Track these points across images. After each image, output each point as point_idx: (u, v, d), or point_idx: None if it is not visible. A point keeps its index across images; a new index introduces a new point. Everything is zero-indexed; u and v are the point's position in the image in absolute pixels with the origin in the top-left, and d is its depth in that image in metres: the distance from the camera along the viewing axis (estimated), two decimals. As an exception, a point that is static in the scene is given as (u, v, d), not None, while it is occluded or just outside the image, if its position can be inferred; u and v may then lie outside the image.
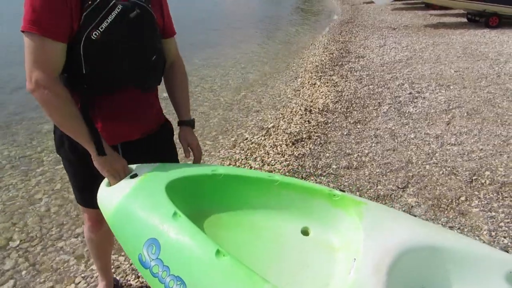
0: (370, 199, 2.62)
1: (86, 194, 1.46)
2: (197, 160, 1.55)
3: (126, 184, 1.20)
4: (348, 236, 1.15)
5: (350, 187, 2.81)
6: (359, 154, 3.31)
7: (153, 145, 1.47)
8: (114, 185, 1.23)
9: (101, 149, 1.24)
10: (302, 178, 2.98)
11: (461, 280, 1.11)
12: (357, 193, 2.73)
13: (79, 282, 2.14)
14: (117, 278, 2.11)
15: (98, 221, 1.58)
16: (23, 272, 2.24)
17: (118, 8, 1.19)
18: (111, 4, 1.18)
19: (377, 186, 2.80)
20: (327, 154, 3.35)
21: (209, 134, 4.13)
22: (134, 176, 1.24)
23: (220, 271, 0.94)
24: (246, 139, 3.95)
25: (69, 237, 2.53)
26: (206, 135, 4.11)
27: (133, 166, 1.31)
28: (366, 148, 3.41)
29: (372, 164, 3.12)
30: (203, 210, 1.23)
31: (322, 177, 2.97)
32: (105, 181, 1.28)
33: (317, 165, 3.17)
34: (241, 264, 0.95)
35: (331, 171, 3.06)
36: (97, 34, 1.17)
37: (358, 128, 3.86)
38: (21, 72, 1.29)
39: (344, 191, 1.33)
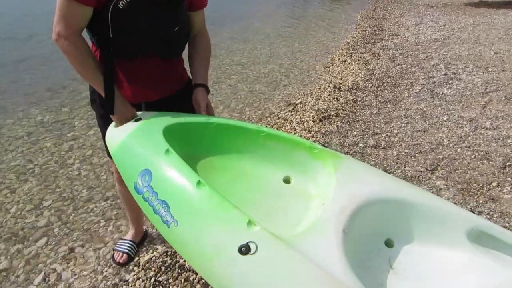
0: (397, 180, 2.58)
1: None
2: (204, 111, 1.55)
3: (129, 126, 1.35)
4: (323, 185, 1.25)
5: (377, 167, 2.76)
6: (388, 134, 3.24)
7: (175, 103, 1.57)
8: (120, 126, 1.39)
9: (110, 103, 1.36)
10: (328, 155, 2.96)
11: (425, 234, 1.20)
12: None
13: (108, 242, 2.23)
14: (147, 228, 2.27)
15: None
16: (56, 230, 2.35)
17: None
18: None
19: (404, 167, 2.74)
20: (355, 133, 3.29)
21: (236, 107, 4.13)
22: (138, 120, 1.38)
23: (199, 197, 1.09)
24: (273, 113, 3.93)
25: (99, 200, 2.62)
26: (233, 107, 4.11)
27: (139, 112, 1.44)
28: (395, 128, 3.33)
29: (401, 145, 3.05)
30: (196, 153, 1.36)
31: (349, 155, 2.93)
32: (113, 123, 1.43)
33: (344, 143, 3.13)
34: (217, 193, 1.08)
35: (358, 149, 3.02)
36: (124, 3, 1.26)
37: (388, 108, 3.76)
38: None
39: (326, 146, 1.36)
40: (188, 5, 1.45)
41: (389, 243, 1.22)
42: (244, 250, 0.98)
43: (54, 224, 2.41)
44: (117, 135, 1.34)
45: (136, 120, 1.37)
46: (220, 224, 1.05)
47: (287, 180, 1.35)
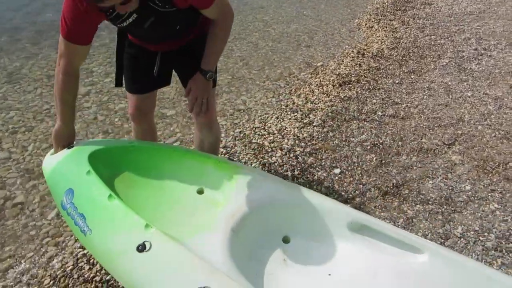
0: (412, 151, 2.55)
1: (130, 79, 1.81)
2: (190, 107, 1.56)
3: (62, 153, 1.55)
4: (226, 193, 1.47)
5: (393, 136, 2.72)
6: (408, 104, 3.16)
7: (188, 51, 1.70)
8: (55, 154, 1.59)
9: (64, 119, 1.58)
10: (344, 120, 2.92)
11: (315, 229, 1.43)
12: (400, 143, 2.65)
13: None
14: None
15: (136, 106, 1.86)
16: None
17: (134, 16, 1.38)
18: (126, 14, 1.36)
19: (421, 139, 2.69)
20: (374, 100, 3.22)
21: (255, 64, 4.06)
22: (71, 147, 1.57)
23: (108, 209, 1.31)
24: (292, 74, 3.86)
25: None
26: (252, 64, 4.04)
27: (76, 142, 1.64)
28: (416, 100, 3.24)
29: (420, 117, 2.98)
30: (119, 173, 1.56)
31: (366, 122, 2.89)
32: (51, 151, 1.64)
33: (362, 109, 3.07)
34: (124, 204, 1.30)
35: (376, 117, 2.96)
36: (123, 25, 1.43)
37: (412, 79, 3.65)
38: None
39: (232, 159, 1.69)
40: (191, 7, 1.45)
41: (286, 240, 1.44)
42: (141, 248, 1.19)
43: (69, 163, 2.46)
44: (50, 162, 1.56)
45: (69, 148, 1.56)
46: (123, 228, 1.27)
47: (200, 191, 1.53)
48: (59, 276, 1.72)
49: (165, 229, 1.26)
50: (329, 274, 1.33)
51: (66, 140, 1.60)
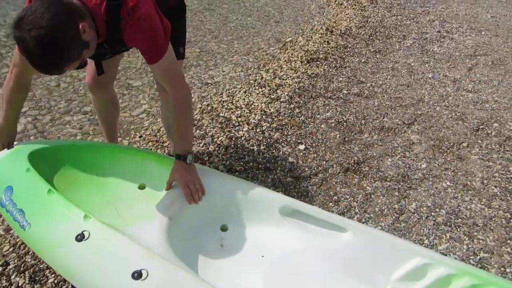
0: (374, 130, 2.65)
1: None
2: (188, 198, 1.52)
3: (1, 153, 1.57)
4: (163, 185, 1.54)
5: (357, 114, 2.81)
6: (372, 84, 3.26)
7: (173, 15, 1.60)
8: None
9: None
10: (311, 97, 2.97)
11: (250, 216, 1.54)
12: (363, 121, 2.74)
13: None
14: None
15: (93, 79, 1.79)
16: (31, 138, 2.33)
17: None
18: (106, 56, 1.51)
19: (383, 118, 2.80)
20: (340, 79, 3.29)
21: (224, 38, 4.00)
22: (12, 147, 1.59)
23: (47, 202, 1.34)
24: (261, 49, 3.84)
25: (76, 113, 2.59)
26: (221, 37, 3.99)
27: (16, 143, 1.65)
28: (380, 79, 3.34)
29: (383, 96, 3.08)
30: (62, 171, 1.57)
31: (331, 100, 2.96)
32: None
33: (328, 87, 3.13)
34: (63, 197, 1.34)
35: (341, 95, 3.04)
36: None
37: (377, 58, 3.74)
38: None
39: (172, 155, 1.77)
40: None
41: (224, 228, 1.55)
42: (79, 237, 1.24)
43: (30, 131, 2.38)
44: None
45: (9, 148, 1.58)
46: (62, 220, 1.30)
47: (142, 187, 1.58)
48: (19, 243, 1.69)
49: (105, 220, 1.31)
50: (262, 256, 1.47)
51: (6, 139, 1.61)
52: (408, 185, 2.20)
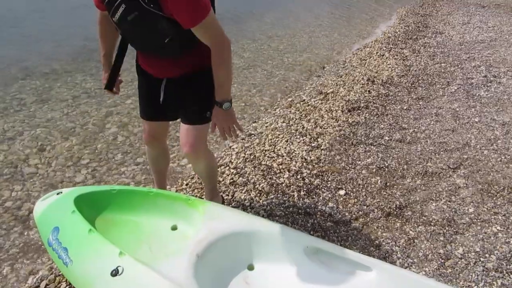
0: (417, 175, 2.62)
1: (141, 106, 1.94)
2: (222, 137, 1.67)
3: (50, 199, 1.76)
4: (195, 227, 1.65)
5: (399, 160, 2.80)
6: (415, 129, 3.25)
7: (192, 83, 1.74)
8: (47, 198, 1.80)
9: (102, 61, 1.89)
10: (352, 144, 3.02)
11: (275, 256, 1.59)
12: (405, 166, 2.72)
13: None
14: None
15: (149, 132, 1.98)
16: (90, 186, 2.56)
17: (122, 7, 1.45)
18: (117, 2, 1.45)
19: (426, 163, 2.76)
20: (382, 126, 3.32)
21: (268, 91, 4.23)
22: (60, 193, 1.78)
23: (88, 241, 1.49)
24: (303, 100, 4.00)
25: (130, 164, 2.82)
26: (265, 91, 4.21)
27: (63, 189, 1.84)
28: (423, 125, 3.32)
29: (427, 141, 3.05)
30: (103, 213, 1.74)
31: (372, 146, 2.98)
32: (41, 197, 1.83)
33: (369, 134, 3.16)
34: (102, 236, 1.48)
35: (383, 142, 3.05)
36: (114, 21, 1.54)
37: (420, 105, 3.74)
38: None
39: (195, 196, 1.97)
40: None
41: (250, 267, 1.60)
42: (114, 272, 1.35)
43: (89, 181, 2.63)
44: (40, 206, 1.76)
45: (58, 194, 1.78)
46: (99, 256, 1.45)
47: (174, 227, 1.71)
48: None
49: (138, 257, 1.43)
50: None
51: (108, 72, 1.87)
52: (454, 230, 2.13)
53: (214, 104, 1.63)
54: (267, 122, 3.56)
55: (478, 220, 2.20)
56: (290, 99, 4.07)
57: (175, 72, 1.73)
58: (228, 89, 1.64)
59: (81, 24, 6.00)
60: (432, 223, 2.18)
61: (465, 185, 2.52)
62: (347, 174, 2.65)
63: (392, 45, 5.78)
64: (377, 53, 5.51)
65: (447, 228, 2.14)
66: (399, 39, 6.11)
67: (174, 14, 1.44)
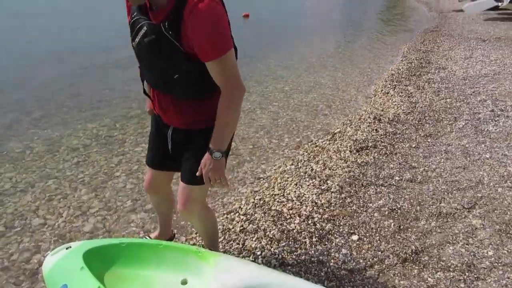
0: (431, 216, 2.56)
1: (148, 152, 1.95)
2: (206, 183, 1.59)
3: (59, 254, 1.73)
4: (206, 280, 1.61)
5: (411, 201, 2.75)
6: (425, 168, 3.21)
7: (195, 139, 1.68)
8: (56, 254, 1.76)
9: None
10: (362, 186, 2.98)
11: None
12: (418, 207, 2.67)
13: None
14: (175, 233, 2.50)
15: (149, 181, 1.98)
16: (99, 236, 2.54)
17: (143, 29, 1.45)
18: (141, 23, 1.46)
19: (440, 203, 2.71)
20: (391, 165, 3.29)
21: (276, 133, 4.25)
22: (69, 247, 1.75)
23: None
24: (311, 141, 4.01)
25: (140, 211, 2.81)
26: (272, 133, 4.24)
27: (72, 243, 1.81)
28: (433, 163, 3.29)
29: (438, 180, 3.01)
30: (112, 267, 1.72)
31: (383, 187, 2.94)
32: (51, 252, 1.79)
33: (379, 174, 3.13)
34: None
35: (393, 182, 3.01)
36: (133, 45, 1.55)
37: (428, 142, 3.72)
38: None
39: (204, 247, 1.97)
40: (191, 55, 1.44)
41: None
42: None
43: (99, 231, 2.61)
44: (50, 261, 1.73)
45: (67, 248, 1.76)
46: None
47: (184, 282, 1.67)
48: None
49: None
50: None
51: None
52: (475, 276, 2.05)
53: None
54: (275, 165, 3.55)
55: (499, 264, 2.12)
56: (298, 140, 4.09)
57: (180, 120, 1.68)
58: (227, 138, 1.56)
59: (91, 72, 6.21)
60: (451, 269, 2.10)
61: (481, 226, 2.45)
62: (359, 218, 2.60)
63: (397, 82, 5.85)
64: (382, 90, 5.57)
65: (467, 273, 2.06)
66: (403, 76, 6.19)
67: (195, 43, 1.38)
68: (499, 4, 12.80)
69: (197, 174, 1.58)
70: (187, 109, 1.64)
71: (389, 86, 5.69)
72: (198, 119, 1.65)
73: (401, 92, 5.32)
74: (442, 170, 3.17)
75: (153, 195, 2.09)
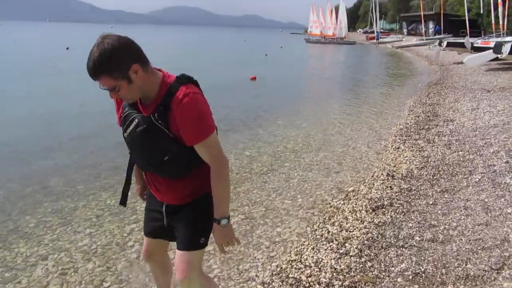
0: (458, 279, 2.43)
1: (144, 224, 2.02)
2: (221, 252, 1.81)
3: None
4: None
5: (435, 263, 2.63)
6: (446, 226, 3.11)
7: (190, 211, 1.80)
8: None
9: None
10: (382, 248, 2.88)
11: None
12: (443, 270, 2.54)
13: (159, 331, 2.26)
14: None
15: (146, 250, 2.05)
16: (112, 315, 2.44)
17: (135, 121, 1.63)
18: (132, 116, 1.64)
19: (466, 265, 2.58)
20: (410, 224, 3.20)
21: (288, 194, 4.21)
22: None
23: None
24: (325, 200, 3.95)
25: (153, 285, 2.71)
26: (285, 194, 4.20)
27: None
28: (454, 221, 3.19)
29: (461, 239, 2.90)
30: None
31: (404, 249, 2.83)
32: None
33: (398, 235, 3.04)
34: None
35: (414, 243, 2.91)
36: (125, 136, 1.71)
37: (446, 198, 3.64)
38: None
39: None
40: (180, 140, 1.62)
41: None
42: None
43: (111, 308, 2.51)
44: None
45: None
46: None
47: None
48: None
49: None
50: None
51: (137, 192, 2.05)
52: None
53: (210, 229, 1.74)
54: (290, 227, 3.48)
55: (539, 333, 1.96)
56: (311, 200, 4.03)
57: (173, 196, 1.81)
58: (227, 205, 1.74)
59: (103, 143, 6.35)
60: None
61: (513, 289, 2.31)
62: (382, 284, 2.48)
63: (406, 136, 5.87)
64: (392, 146, 5.57)
65: None
66: (412, 130, 6.22)
67: (180, 130, 1.58)
68: (499, 55, 13.16)
69: (221, 251, 1.79)
70: (178, 185, 1.77)
71: (399, 141, 5.70)
72: (189, 192, 1.79)
73: (412, 147, 5.32)
74: (463, 228, 3.07)
75: (151, 262, 2.15)
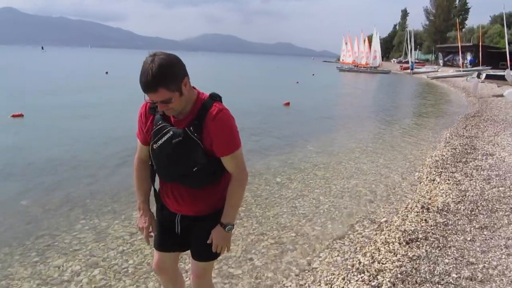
0: (499, 321, 2.29)
1: (155, 237, 2.03)
2: (214, 249, 1.89)
3: None
4: None
5: (474, 303, 2.50)
6: (485, 265, 2.96)
7: (203, 224, 1.90)
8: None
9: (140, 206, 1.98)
10: (416, 283, 2.77)
11: None
12: (483, 311, 2.41)
13: None
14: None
15: (157, 264, 2.08)
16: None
17: (170, 133, 1.74)
18: (167, 129, 1.75)
19: (508, 307, 2.44)
20: (446, 260, 3.07)
21: (318, 220, 4.16)
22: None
23: None
24: (356, 231, 3.86)
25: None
26: (315, 220, 4.14)
27: None
28: (494, 259, 3.03)
29: (502, 280, 2.75)
30: None
31: (440, 286, 2.71)
32: None
33: (434, 270, 2.92)
34: None
35: (451, 280, 2.78)
36: (154, 146, 1.80)
37: (485, 235, 3.48)
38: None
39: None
40: (210, 152, 1.75)
41: None
42: None
43: (139, 327, 2.52)
44: None
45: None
46: None
47: None
48: None
49: None
50: None
51: (146, 224, 1.95)
52: None
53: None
54: (320, 256, 3.41)
55: None
56: (342, 228, 3.96)
57: (191, 208, 1.89)
58: (236, 213, 1.90)
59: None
60: None
61: (561, 337, 2.16)
62: (417, 321, 2.37)
63: (442, 169, 5.70)
64: (427, 177, 5.42)
65: None
66: (448, 162, 6.04)
67: (213, 142, 1.72)
68: (542, 89, 12.69)
69: (214, 250, 1.87)
70: (199, 196, 1.87)
71: (434, 172, 5.54)
72: (207, 206, 1.90)
73: (448, 179, 5.15)
74: (504, 267, 2.91)
75: (162, 275, 2.18)
